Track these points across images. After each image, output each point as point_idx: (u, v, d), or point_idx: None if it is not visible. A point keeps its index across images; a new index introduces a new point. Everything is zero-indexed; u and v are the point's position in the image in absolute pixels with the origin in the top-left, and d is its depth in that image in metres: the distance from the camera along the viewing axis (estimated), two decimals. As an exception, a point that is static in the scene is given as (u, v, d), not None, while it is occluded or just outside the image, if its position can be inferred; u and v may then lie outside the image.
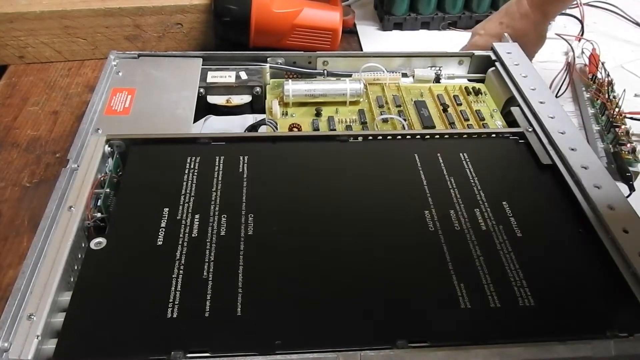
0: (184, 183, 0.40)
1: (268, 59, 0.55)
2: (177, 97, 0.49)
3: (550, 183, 0.42)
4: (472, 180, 0.42)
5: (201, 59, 0.54)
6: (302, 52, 0.56)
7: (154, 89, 0.50)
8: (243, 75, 0.53)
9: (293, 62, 0.56)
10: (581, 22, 0.73)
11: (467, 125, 0.50)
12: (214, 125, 0.49)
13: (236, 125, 0.49)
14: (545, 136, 0.45)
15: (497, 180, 0.42)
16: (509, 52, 0.56)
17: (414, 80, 0.57)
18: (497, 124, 0.51)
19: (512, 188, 0.42)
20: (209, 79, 0.52)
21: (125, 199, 0.40)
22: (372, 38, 0.74)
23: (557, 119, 0.47)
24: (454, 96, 0.54)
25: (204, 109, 0.51)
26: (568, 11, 0.76)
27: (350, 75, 0.56)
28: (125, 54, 0.53)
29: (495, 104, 0.53)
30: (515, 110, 0.49)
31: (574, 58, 0.66)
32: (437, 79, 0.57)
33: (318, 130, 0.49)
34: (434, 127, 0.50)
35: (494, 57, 0.56)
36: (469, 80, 0.58)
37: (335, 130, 0.49)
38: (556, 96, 0.61)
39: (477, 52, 0.57)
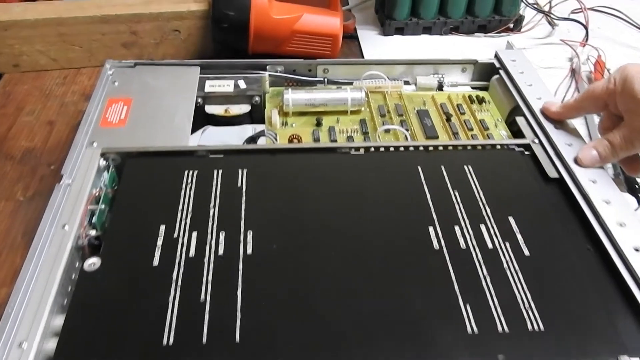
0: (181, 198, 0.39)
1: (267, 67, 0.54)
2: (174, 107, 0.48)
3: (557, 197, 0.41)
4: (477, 194, 0.41)
5: (199, 67, 0.53)
6: (302, 59, 0.55)
7: (151, 99, 0.48)
8: (242, 84, 0.51)
9: (293, 69, 0.55)
10: (585, 27, 0.72)
11: (471, 135, 0.49)
12: (212, 136, 0.48)
13: (235, 136, 0.48)
14: (551, 148, 0.44)
15: (503, 194, 0.41)
16: (514, 59, 0.55)
17: (416, 88, 0.56)
18: (501, 134, 0.50)
19: (518, 202, 0.40)
20: (207, 88, 0.51)
21: (121, 215, 0.39)
22: (373, 43, 0.73)
23: (564, 130, 0.46)
24: (457, 105, 0.53)
25: (201, 119, 0.50)
26: (572, 16, 0.75)
27: (351, 83, 0.55)
28: (122, 63, 0.52)
29: (499, 113, 0.52)
30: (520, 120, 0.48)
31: (579, 65, 0.64)
32: (440, 87, 0.56)
33: (319, 141, 0.48)
34: (437, 137, 0.49)
35: (497, 65, 0.55)
36: (472, 88, 0.57)
37: (336, 141, 0.48)
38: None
39: (481, 60, 0.56)
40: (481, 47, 0.72)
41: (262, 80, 0.53)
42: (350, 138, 0.48)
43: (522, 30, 0.74)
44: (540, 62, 0.67)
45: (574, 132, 0.45)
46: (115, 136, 0.44)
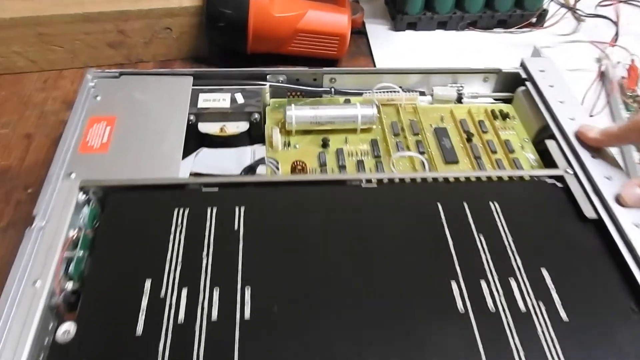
0: (170, 244, 0.34)
1: (268, 77, 0.49)
2: (163, 126, 0.42)
3: (595, 243, 0.36)
4: (505, 239, 0.36)
5: (191, 78, 0.47)
6: (306, 68, 0.49)
7: (137, 117, 0.43)
8: (239, 99, 0.46)
9: (296, 79, 0.50)
10: (615, 23, 0.66)
11: (496, 160, 0.44)
12: (207, 160, 0.43)
13: (232, 159, 0.43)
14: (588, 181, 0.39)
15: (534, 238, 0.36)
16: (542, 69, 0.49)
17: (432, 100, 0.50)
18: (528, 157, 0.45)
19: (552, 249, 0.36)
20: (200, 104, 0.45)
21: (101, 265, 0.34)
22: (383, 39, 0.67)
23: (602, 160, 0.40)
24: (478, 121, 0.48)
25: (195, 138, 0.45)
26: (599, 11, 0.69)
27: (361, 94, 0.49)
28: (105, 73, 0.47)
29: (525, 132, 0.47)
30: (551, 144, 0.43)
31: (611, 70, 0.59)
32: (459, 99, 0.50)
33: (325, 166, 0.43)
34: (457, 162, 0.44)
35: (524, 75, 0.50)
36: (495, 100, 0.51)
37: (344, 167, 0.43)
38: (590, 115, 0.55)
39: (506, 69, 0.50)
40: (501, 45, 0.66)
41: (262, 92, 0.47)
42: (360, 163, 0.43)
43: (545, 25, 0.68)
44: (566, 63, 0.62)
45: (613, 162, 0.40)
46: (96, 165, 0.39)
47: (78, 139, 0.41)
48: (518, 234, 0.36)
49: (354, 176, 0.39)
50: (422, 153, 0.44)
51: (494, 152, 0.45)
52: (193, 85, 0.47)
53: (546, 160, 0.44)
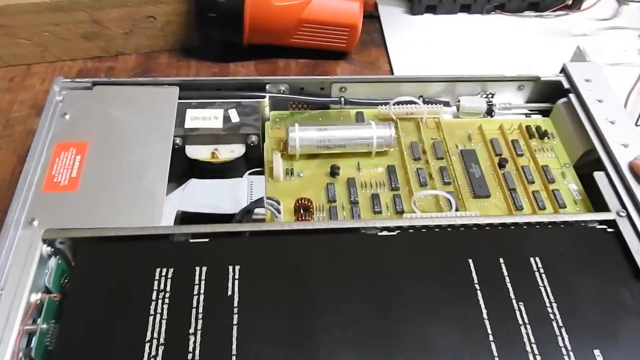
0: (151, 319, 0.29)
1: (267, 86, 0.42)
2: (144, 154, 0.36)
3: (657, 312, 0.31)
4: (549, 308, 0.30)
5: (177, 88, 0.40)
6: (312, 77, 0.42)
7: (113, 142, 0.36)
8: (233, 116, 0.39)
9: (300, 87, 0.43)
10: (664, 8, 0.57)
11: (532, 192, 0.38)
12: (196, 194, 0.36)
13: (226, 194, 0.37)
14: (646, 229, 0.33)
15: (584, 306, 0.30)
16: (588, 78, 0.42)
17: (458, 112, 0.44)
18: (570, 188, 0.38)
19: (605, 321, 0.30)
20: (188, 123, 0.39)
21: (69, 339, 0.28)
22: (398, 25, 0.59)
23: (663, 201, 0.34)
24: (512, 141, 0.41)
25: (181, 165, 0.38)
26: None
27: (375, 105, 0.43)
28: (75, 83, 0.40)
29: (566, 154, 0.41)
30: (600, 178, 0.36)
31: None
32: (489, 111, 0.44)
33: (334, 202, 0.37)
34: (488, 195, 0.38)
35: (566, 85, 0.42)
36: (530, 111, 0.44)
37: (357, 204, 0.37)
38: (636, 124, 0.48)
39: (544, 77, 0.43)
40: (532, 31, 0.59)
41: (261, 107, 0.40)
42: (375, 198, 0.37)
43: (581, 8, 0.60)
44: (605, 56, 0.54)
45: (677, 206, 0.34)
46: (63, 208, 0.33)
47: (42, 172, 0.35)
48: (565, 301, 0.30)
49: (369, 224, 0.33)
50: (447, 184, 0.38)
51: (531, 182, 0.39)
52: (179, 99, 0.40)
53: (590, 189, 0.38)
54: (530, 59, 0.55)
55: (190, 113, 0.39)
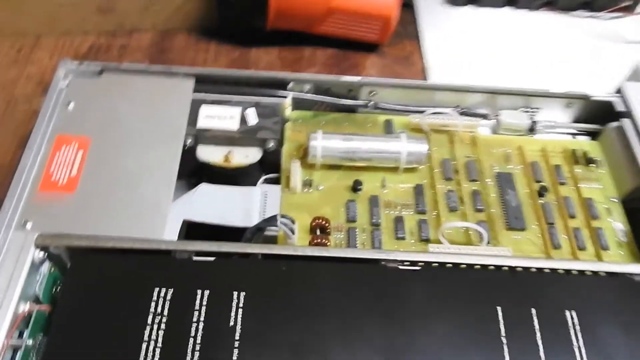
0: (144, 346, 0.26)
1: (290, 84, 0.38)
2: (150, 156, 0.33)
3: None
4: (582, 370, 0.27)
5: (193, 80, 0.37)
6: (340, 78, 0.38)
7: (118, 138, 0.33)
8: (251, 117, 0.36)
9: (326, 88, 0.39)
10: None
11: (573, 229, 0.34)
12: (205, 202, 0.33)
13: (237, 204, 0.34)
14: (698, 287, 0.30)
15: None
16: (648, 102, 0.38)
17: (498, 127, 0.40)
18: (616, 227, 0.35)
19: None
20: (202, 122, 0.35)
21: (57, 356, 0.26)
22: (435, 16, 0.54)
23: None
24: (555, 166, 0.37)
25: (190, 166, 0.35)
26: None
27: (407, 112, 0.39)
28: (83, 67, 0.36)
29: (614, 186, 0.37)
30: (651, 221, 0.33)
31: None
32: (531, 129, 0.40)
33: (354, 222, 0.34)
34: (524, 229, 0.34)
35: (620, 108, 0.38)
36: (577, 131, 0.40)
37: (378, 225, 0.33)
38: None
39: (595, 96, 0.39)
40: (583, 32, 0.54)
41: (281, 107, 0.37)
42: (399, 220, 0.34)
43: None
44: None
45: None
46: (60, 211, 0.30)
47: (40, 168, 0.32)
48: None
49: (390, 255, 0.30)
50: (479, 211, 0.35)
51: (572, 216, 0.35)
52: (194, 92, 0.36)
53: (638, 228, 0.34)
54: (578, 66, 0.50)
55: (204, 110, 0.36)
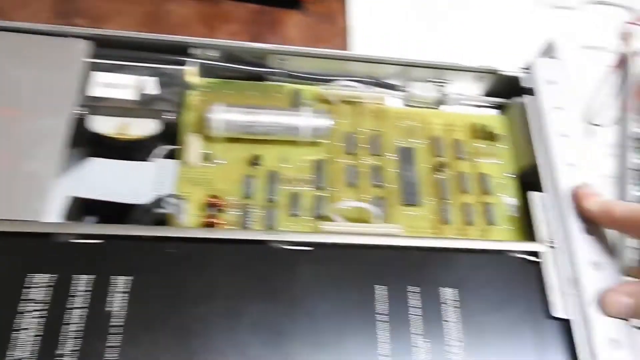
0: (14, 340, 0.26)
1: (192, 51, 0.36)
2: (35, 127, 0.31)
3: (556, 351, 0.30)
4: (450, 345, 0.29)
5: (87, 42, 0.35)
6: (246, 45, 0.37)
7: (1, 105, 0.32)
8: (149, 86, 0.34)
9: (233, 54, 0.38)
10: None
11: (464, 205, 0.35)
12: (95, 177, 0.33)
13: (132, 180, 0.33)
14: (569, 263, 0.31)
15: (486, 344, 0.29)
16: (553, 80, 0.38)
17: (408, 99, 0.39)
18: (506, 202, 0.36)
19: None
20: (94, 91, 0.34)
21: None
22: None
23: (594, 238, 0.32)
24: (456, 141, 0.38)
25: (82, 139, 0.34)
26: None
27: (318, 81, 0.38)
28: (-35, 25, 0.34)
29: (511, 163, 0.38)
30: (534, 199, 0.34)
31: (630, 65, 0.47)
32: (441, 102, 0.40)
33: (249, 198, 0.34)
34: (417, 204, 0.35)
35: (527, 84, 0.38)
36: (487, 105, 0.40)
37: (273, 201, 0.34)
38: (593, 124, 0.45)
39: (503, 71, 0.39)
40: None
41: (183, 75, 0.36)
42: (295, 197, 0.34)
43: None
44: (583, 35, 0.50)
45: (606, 245, 0.32)
46: None
47: None
48: (469, 343, 0.29)
49: (279, 236, 0.30)
50: (377, 186, 0.35)
51: (466, 192, 0.36)
52: (89, 55, 0.34)
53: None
54: (502, 28, 0.50)
55: (98, 78, 0.34)
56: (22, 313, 0.27)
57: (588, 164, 0.35)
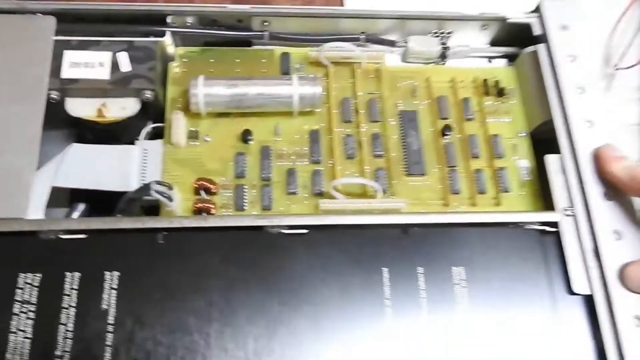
0: (11, 343, 0.25)
1: (169, 19, 0.33)
2: (7, 115, 0.29)
3: (582, 329, 0.28)
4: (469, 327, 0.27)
5: (53, 20, 0.32)
6: (226, 6, 0.34)
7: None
8: (123, 63, 0.32)
9: (212, 20, 0.34)
10: None
11: (475, 171, 0.33)
12: (78, 164, 0.31)
13: (114, 164, 0.31)
14: (590, 233, 0.29)
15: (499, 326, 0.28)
16: (566, 25, 0.34)
17: (406, 55, 0.36)
18: (520, 166, 0.33)
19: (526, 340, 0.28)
20: (66, 72, 0.31)
21: None
22: None
23: (617, 204, 0.29)
24: (463, 100, 0.35)
25: (61, 123, 0.32)
26: None
27: (306, 42, 0.35)
28: None
29: (525, 119, 0.35)
30: (551, 163, 0.31)
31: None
32: (443, 55, 0.36)
33: (243, 177, 0.31)
34: (423, 174, 0.33)
35: (538, 31, 0.35)
36: (494, 56, 0.37)
37: (268, 181, 0.31)
38: (615, 68, 0.41)
39: (512, 18, 0.35)
40: None
41: (160, 48, 0.33)
42: (291, 173, 0.32)
43: None
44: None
45: (630, 212, 0.29)
46: None
47: None
48: (482, 326, 0.28)
49: (274, 221, 0.28)
50: (378, 156, 0.33)
51: (475, 157, 0.33)
52: (57, 35, 0.32)
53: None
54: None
55: (68, 57, 0.31)
56: (18, 314, 0.25)
57: (609, 117, 0.32)
